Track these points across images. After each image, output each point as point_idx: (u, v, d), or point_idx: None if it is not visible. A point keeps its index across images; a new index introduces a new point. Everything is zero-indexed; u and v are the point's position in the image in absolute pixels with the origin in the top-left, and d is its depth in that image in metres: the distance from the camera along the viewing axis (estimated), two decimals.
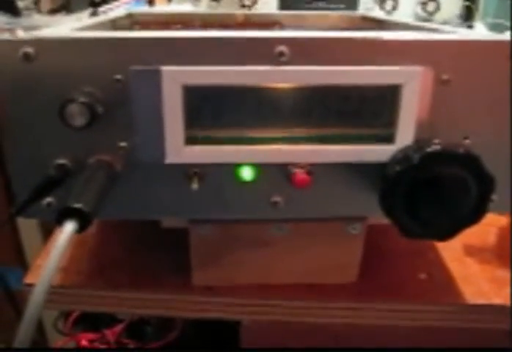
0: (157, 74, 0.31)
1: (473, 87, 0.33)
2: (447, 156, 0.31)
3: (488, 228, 0.48)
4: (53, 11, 1.15)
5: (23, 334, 0.23)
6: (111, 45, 0.31)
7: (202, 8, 1.01)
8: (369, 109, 0.34)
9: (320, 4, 1.00)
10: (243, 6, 0.98)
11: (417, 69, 0.32)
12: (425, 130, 0.33)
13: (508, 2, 0.96)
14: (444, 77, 0.32)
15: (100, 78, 0.31)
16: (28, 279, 0.40)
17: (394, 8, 0.97)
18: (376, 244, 0.40)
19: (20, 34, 0.31)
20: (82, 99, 0.30)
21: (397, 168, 0.31)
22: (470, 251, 0.45)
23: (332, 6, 1.00)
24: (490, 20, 0.96)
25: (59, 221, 0.26)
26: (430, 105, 0.33)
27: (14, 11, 1.01)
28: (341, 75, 0.32)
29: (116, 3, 0.98)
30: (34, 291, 0.24)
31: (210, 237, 0.38)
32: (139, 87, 0.31)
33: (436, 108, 0.33)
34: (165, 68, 0.31)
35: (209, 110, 0.33)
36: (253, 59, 0.31)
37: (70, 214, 0.26)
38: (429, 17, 0.99)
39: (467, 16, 1.00)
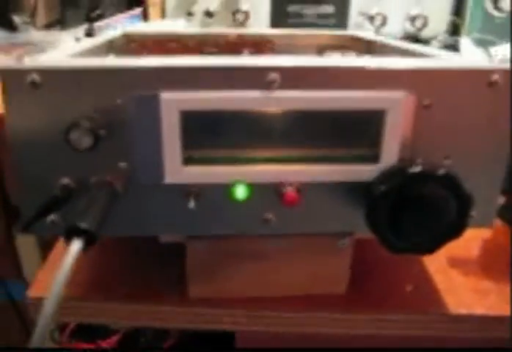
0: (156, 100, 0.33)
1: (452, 111, 0.35)
2: (426, 177, 0.33)
3: (471, 241, 0.51)
4: (49, 25, 1.17)
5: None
6: (112, 73, 0.33)
7: (196, 23, 1.03)
8: (355, 131, 0.36)
9: (312, 20, 1.02)
10: (236, 21, 1.01)
11: (400, 95, 0.34)
12: (408, 151, 0.36)
13: (494, 18, 0.99)
14: (426, 102, 0.35)
15: (102, 104, 0.33)
16: (31, 293, 0.42)
17: (383, 24, 1.00)
18: (364, 257, 0.42)
19: (27, 62, 0.33)
20: (85, 124, 0.32)
21: (382, 188, 0.33)
22: (454, 263, 0.47)
23: (323, 21, 1.02)
24: (476, 35, 0.99)
25: (67, 240, 0.28)
26: (413, 127, 0.35)
27: (10, 26, 1.03)
28: (329, 100, 0.34)
29: (111, 19, 1.01)
30: (44, 308, 0.26)
31: (206, 252, 0.40)
32: (138, 112, 0.33)
33: (418, 130, 0.35)
34: (163, 95, 0.33)
35: (205, 132, 0.35)
36: (246, 86, 0.33)
37: (77, 233, 0.28)
38: (417, 32, 1.02)
39: (454, 31, 1.03)
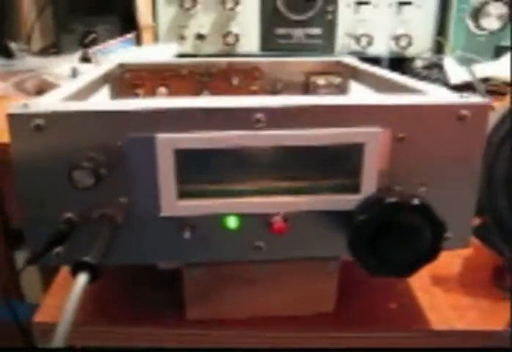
0: (152, 140, 0.36)
1: (426, 143, 0.38)
2: (402, 206, 0.35)
3: (453, 259, 0.53)
4: (44, 50, 1.20)
5: None
6: (111, 116, 0.36)
7: (188, 46, 1.06)
8: (337, 164, 0.39)
9: (300, 41, 1.05)
10: (226, 44, 1.04)
11: (377, 130, 0.37)
12: (386, 180, 0.38)
13: (476, 37, 1.03)
14: (400, 135, 0.38)
15: (102, 145, 0.36)
16: (38, 318, 0.44)
17: (369, 44, 1.03)
18: (351, 277, 0.45)
19: (32, 107, 0.36)
20: (87, 164, 0.35)
21: (361, 217, 0.36)
22: (437, 281, 0.50)
23: (311, 42, 1.05)
24: (458, 53, 1.02)
25: (73, 274, 0.31)
26: (390, 158, 0.38)
27: (7, 53, 1.06)
28: (311, 137, 0.37)
29: (105, 43, 1.04)
30: (53, 342, 0.28)
31: (202, 277, 0.43)
32: (136, 152, 0.36)
33: (395, 161, 0.38)
34: (159, 135, 0.36)
35: (197, 169, 0.38)
36: (234, 125, 0.36)
37: (82, 267, 0.31)
38: (402, 51, 1.05)
39: (438, 49, 1.06)
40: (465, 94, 0.39)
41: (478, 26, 1.02)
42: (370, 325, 0.45)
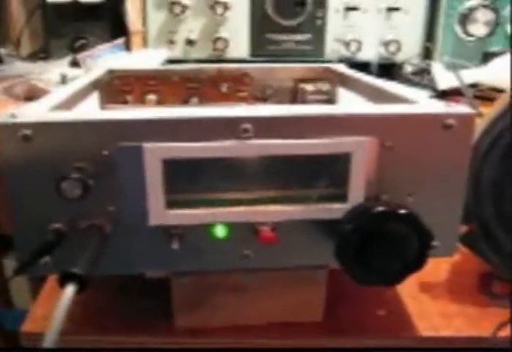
0: (139, 150, 0.36)
1: (413, 152, 0.38)
2: (389, 215, 0.36)
3: (441, 266, 0.54)
4: (34, 54, 1.20)
5: None
6: (98, 126, 0.36)
7: (178, 52, 1.06)
8: (324, 173, 0.39)
9: (290, 47, 1.05)
10: (216, 49, 1.04)
11: (364, 139, 0.37)
12: (373, 189, 0.39)
13: (464, 43, 1.03)
14: (388, 144, 0.38)
15: (90, 155, 0.36)
16: (26, 327, 0.44)
17: (358, 49, 1.04)
18: (339, 285, 0.45)
19: (20, 117, 0.36)
20: (75, 175, 0.35)
21: (348, 226, 0.36)
22: (424, 288, 0.51)
23: (301, 48, 1.05)
24: (447, 59, 1.03)
25: (61, 285, 0.31)
26: (377, 168, 0.38)
27: None
28: (298, 146, 0.37)
29: (94, 48, 1.03)
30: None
31: (190, 285, 0.43)
32: (124, 161, 0.36)
33: (382, 170, 0.39)
34: (146, 145, 0.36)
35: (185, 178, 0.38)
36: (222, 135, 0.36)
37: (70, 278, 0.31)
38: (391, 56, 1.05)
39: (426, 55, 1.07)
40: (452, 104, 0.39)
41: (466, 32, 1.03)
42: (359, 333, 0.45)
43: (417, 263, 0.37)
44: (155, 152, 0.36)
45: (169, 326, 0.45)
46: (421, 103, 0.41)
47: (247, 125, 0.36)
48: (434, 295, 0.50)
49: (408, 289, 0.50)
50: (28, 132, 0.35)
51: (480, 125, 0.46)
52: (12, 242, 0.38)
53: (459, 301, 0.49)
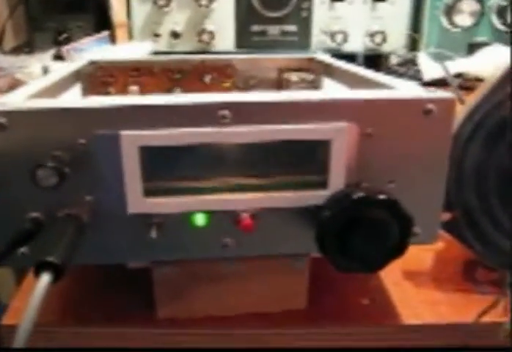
0: (116, 138, 0.36)
1: (393, 138, 0.38)
2: (369, 201, 0.36)
3: (424, 253, 0.54)
4: (17, 48, 1.19)
5: None
6: (74, 113, 0.35)
7: (163, 44, 1.05)
8: (304, 160, 0.39)
9: (275, 38, 1.05)
10: (201, 41, 1.04)
11: (343, 125, 0.37)
12: (354, 176, 0.38)
13: (449, 33, 1.03)
14: (368, 131, 0.38)
15: (66, 143, 0.36)
16: (6, 320, 0.44)
17: (344, 40, 1.04)
18: (322, 273, 0.45)
19: None
20: (50, 163, 0.34)
21: (328, 212, 0.36)
22: (408, 275, 0.50)
23: (286, 39, 1.05)
24: (432, 49, 1.03)
25: (36, 274, 0.30)
26: (357, 155, 0.38)
27: None
28: (277, 133, 0.37)
29: (78, 42, 1.03)
30: (15, 341, 0.28)
31: (171, 275, 0.43)
32: (101, 149, 0.36)
33: (363, 157, 0.38)
34: (123, 132, 0.35)
35: (164, 165, 0.38)
36: (200, 122, 0.36)
37: (45, 267, 0.30)
38: (377, 47, 1.06)
39: (412, 46, 1.07)
40: (432, 89, 0.39)
41: (452, 23, 1.03)
42: (342, 321, 0.45)
43: (398, 249, 0.37)
44: (132, 139, 0.36)
45: (151, 317, 0.44)
46: (401, 88, 0.41)
47: (225, 112, 0.36)
48: (418, 282, 0.49)
49: (391, 277, 0.50)
50: (3, 120, 0.35)
51: (461, 112, 0.46)
52: None
53: (443, 289, 0.49)
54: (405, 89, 0.41)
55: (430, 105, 0.38)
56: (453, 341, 0.45)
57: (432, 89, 0.40)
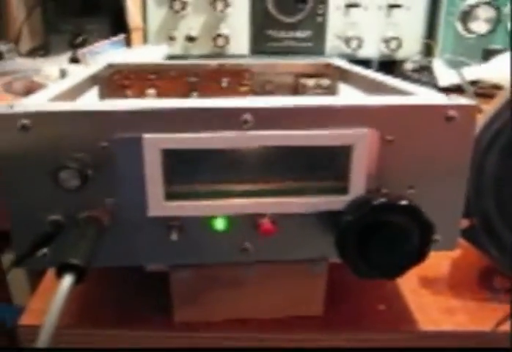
0: (138, 141, 0.36)
1: (414, 145, 0.38)
2: (390, 207, 0.35)
3: (441, 260, 0.53)
4: (33, 51, 1.20)
5: None
6: (97, 116, 0.36)
7: (178, 48, 1.06)
8: (325, 165, 0.39)
9: (290, 43, 1.05)
10: (216, 46, 1.04)
11: (365, 131, 0.37)
12: (374, 182, 0.38)
13: (465, 40, 1.03)
14: (388, 137, 0.38)
15: (88, 145, 0.36)
16: (24, 321, 0.44)
17: (359, 46, 1.04)
18: (339, 279, 0.45)
19: (19, 107, 0.36)
20: (73, 165, 0.35)
21: (349, 218, 0.36)
22: (425, 282, 0.50)
23: (301, 45, 1.05)
24: (448, 56, 1.02)
25: (58, 275, 0.31)
26: (378, 160, 0.38)
27: None
28: (299, 138, 0.37)
29: (94, 45, 1.03)
30: (37, 342, 0.28)
31: (189, 279, 0.43)
32: (123, 152, 0.36)
33: (383, 163, 0.38)
34: (146, 136, 0.36)
35: (185, 169, 0.38)
36: (222, 126, 0.36)
37: (68, 268, 0.31)
38: (392, 53, 1.05)
39: (427, 52, 1.07)
40: (453, 96, 0.39)
41: (467, 29, 1.02)
42: (359, 327, 0.45)
43: (418, 256, 0.37)
44: (155, 142, 0.36)
45: (167, 320, 0.45)
46: (421, 94, 0.41)
47: (247, 116, 0.36)
48: (435, 289, 0.49)
49: (408, 283, 0.50)
50: (26, 122, 0.35)
51: (480, 120, 0.46)
52: (9, 238, 0.38)
53: (460, 296, 0.48)
54: (425, 96, 0.41)
55: (452, 112, 0.37)
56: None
57: (453, 95, 0.40)
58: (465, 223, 0.46)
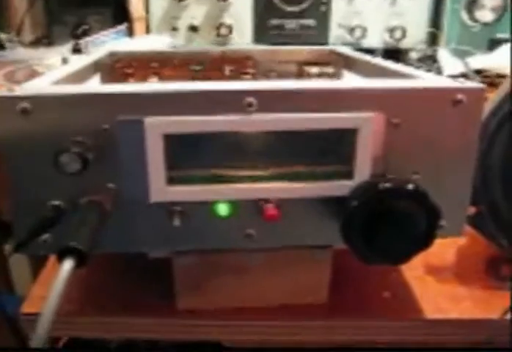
0: (140, 124, 0.35)
1: (420, 129, 0.37)
2: (396, 192, 0.35)
3: (447, 249, 0.53)
4: (36, 41, 1.19)
5: None
6: (98, 99, 0.35)
7: (181, 38, 1.05)
8: (329, 149, 0.38)
9: (293, 33, 1.04)
10: (219, 35, 1.03)
11: (370, 115, 0.36)
12: (379, 167, 0.38)
13: (470, 29, 1.02)
14: (395, 121, 0.37)
15: (89, 128, 0.35)
16: (25, 309, 0.44)
17: (363, 36, 1.03)
18: (344, 266, 0.44)
19: (18, 90, 0.35)
20: (74, 148, 0.34)
21: (355, 203, 0.35)
22: (430, 270, 0.50)
23: (304, 34, 1.04)
24: (453, 45, 1.01)
25: (59, 259, 0.30)
26: (384, 145, 0.37)
27: None
28: (303, 121, 0.36)
29: (97, 35, 1.03)
30: (37, 329, 0.27)
31: (192, 266, 0.42)
32: (124, 136, 0.35)
33: (389, 147, 0.38)
34: (147, 119, 0.35)
35: (187, 153, 0.37)
36: (225, 109, 0.35)
37: (69, 252, 0.30)
38: (396, 43, 1.04)
39: (432, 42, 1.06)
40: (460, 79, 0.38)
41: (472, 18, 1.01)
42: (364, 315, 0.45)
43: (424, 241, 0.36)
44: (157, 126, 0.35)
45: (171, 307, 0.44)
46: (429, 78, 0.40)
47: (251, 99, 0.35)
48: (440, 277, 0.49)
49: (413, 271, 0.49)
50: (27, 105, 0.35)
51: (486, 107, 0.45)
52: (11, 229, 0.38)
53: (466, 284, 0.48)
54: (432, 79, 0.40)
55: (459, 95, 0.37)
56: (477, 337, 0.44)
57: (460, 79, 0.39)
58: (471, 210, 0.45)
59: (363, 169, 0.37)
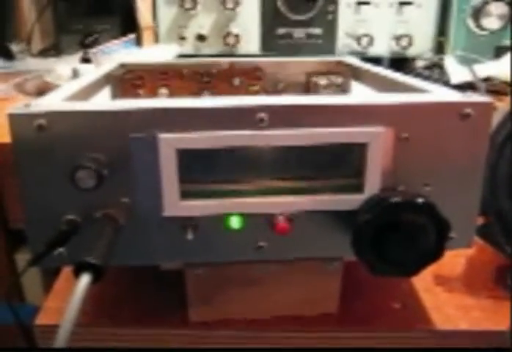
0: (154, 140, 0.36)
1: (429, 142, 0.38)
2: (406, 205, 0.35)
3: (456, 259, 0.53)
4: (45, 51, 1.20)
5: None
6: (113, 116, 0.36)
7: (189, 47, 1.06)
8: (340, 164, 0.39)
9: (301, 41, 1.05)
10: (227, 44, 1.04)
11: (380, 129, 0.37)
12: (390, 180, 0.38)
13: (476, 37, 1.02)
14: (404, 135, 0.37)
15: (104, 144, 0.36)
16: (39, 320, 0.44)
17: (370, 44, 1.03)
18: (354, 278, 0.45)
19: (35, 107, 0.36)
20: (89, 164, 0.35)
21: (365, 216, 0.36)
22: (440, 280, 0.50)
23: (312, 42, 1.05)
24: (459, 53, 1.02)
25: (76, 274, 0.31)
26: (393, 159, 0.38)
27: (8, 55, 1.06)
28: (313, 136, 0.37)
29: (105, 44, 1.03)
30: (56, 341, 0.28)
31: (204, 278, 0.43)
32: (138, 152, 0.36)
33: (398, 161, 0.38)
34: (161, 135, 0.36)
35: (200, 168, 0.38)
36: (237, 124, 0.36)
37: (85, 268, 0.31)
38: (403, 51, 1.05)
39: (439, 49, 1.06)
40: (468, 93, 0.39)
41: (479, 26, 1.02)
42: (374, 326, 0.45)
43: (434, 254, 0.37)
44: (170, 142, 0.36)
45: (183, 319, 0.45)
46: (435, 92, 0.41)
47: (262, 115, 0.36)
48: (450, 288, 0.49)
49: (423, 282, 0.50)
50: (42, 121, 0.35)
51: (494, 118, 0.46)
52: (23, 237, 0.38)
53: (475, 294, 0.48)
54: (440, 93, 0.41)
55: (467, 109, 0.37)
56: (486, 346, 0.45)
57: (468, 92, 0.39)
58: (480, 221, 0.45)
59: (373, 183, 0.38)
